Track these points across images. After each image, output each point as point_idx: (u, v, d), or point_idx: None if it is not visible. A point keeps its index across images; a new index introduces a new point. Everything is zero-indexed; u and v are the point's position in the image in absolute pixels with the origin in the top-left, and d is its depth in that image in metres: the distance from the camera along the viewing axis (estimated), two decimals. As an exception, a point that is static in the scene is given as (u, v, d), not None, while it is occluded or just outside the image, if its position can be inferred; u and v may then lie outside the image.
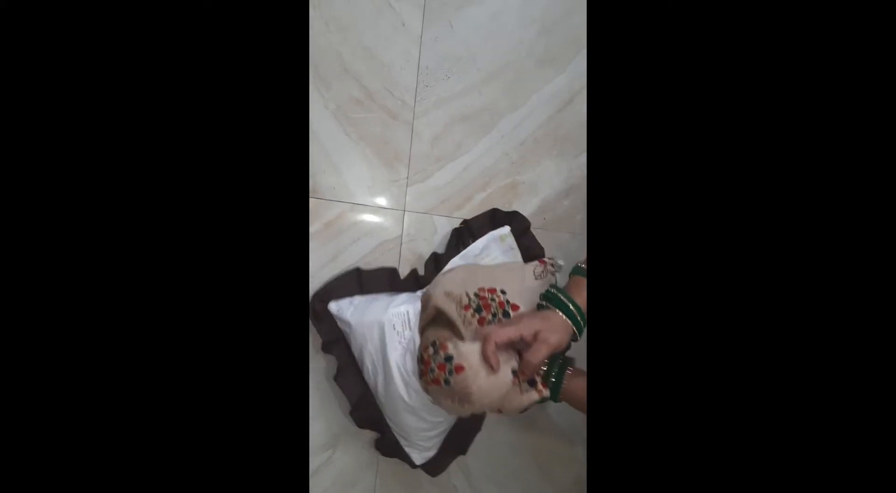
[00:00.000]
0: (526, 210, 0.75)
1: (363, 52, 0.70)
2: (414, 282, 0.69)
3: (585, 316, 0.52)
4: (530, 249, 0.73)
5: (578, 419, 0.78)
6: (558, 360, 0.53)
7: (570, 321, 0.51)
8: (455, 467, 0.75)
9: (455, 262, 0.68)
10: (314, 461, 0.71)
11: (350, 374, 0.67)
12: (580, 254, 0.60)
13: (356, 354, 0.66)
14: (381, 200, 0.72)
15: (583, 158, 0.78)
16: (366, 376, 0.65)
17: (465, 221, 0.72)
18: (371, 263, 0.71)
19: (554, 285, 0.56)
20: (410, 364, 0.60)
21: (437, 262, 0.70)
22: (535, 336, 0.50)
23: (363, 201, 0.71)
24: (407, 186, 0.72)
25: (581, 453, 0.79)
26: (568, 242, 0.78)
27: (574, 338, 0.53)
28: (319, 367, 0.70)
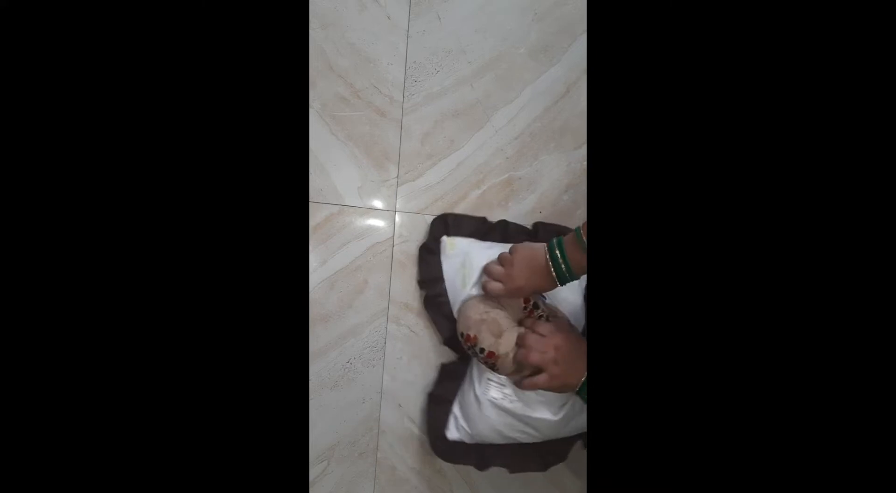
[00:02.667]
0: (523, 207, 0.72)
1: (348, 48, 0.68)
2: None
3: (573, 271, 0.55)
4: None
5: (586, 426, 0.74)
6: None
7: (555, 273, 0.55)
8: (457, 476, 0.72)
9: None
10: (310, 473, 0.68)
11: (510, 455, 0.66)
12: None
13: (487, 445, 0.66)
14: (371, 202, 0.69)
15: (582, 151, 0.75)
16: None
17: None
18: (362, 266, 0.68)
19: (558, 239, 0.56)
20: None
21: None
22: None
23: (352, 203, 0.68)
24: (397, 186, 0.70)
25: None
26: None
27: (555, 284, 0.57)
28: (315, 376, 0.68)
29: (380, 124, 0.69)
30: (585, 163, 0.75)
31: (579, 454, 0.75)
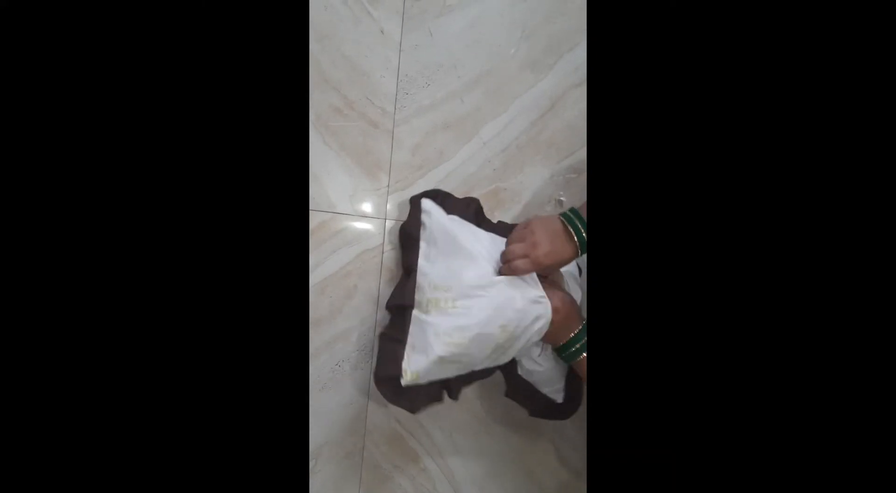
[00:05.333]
0: (508, 216, 0.75)
1: (342, 60, 0.70)
2: None
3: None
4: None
5: (565, 423, 0.78)
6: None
7: (576, 238, 0.57)
8: (440, 472, 0.75)
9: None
10: (298, 471, 0.70)
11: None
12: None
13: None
14: (362, 209, 0.71)
15: (565, 163, 0.78)
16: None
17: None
18: (352, 271, 0.70)
19: (573, 210, 0.59)
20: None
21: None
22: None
23: (344, 211, 0.70)
24: (388, 195, 0.72)
25: (569, 456, 0.79)
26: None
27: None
28: (302, 377, 0.70)
29: (372, 135, 0.71)
30: (569, 175, 0.78)
31: (557, 453, 0.79)
